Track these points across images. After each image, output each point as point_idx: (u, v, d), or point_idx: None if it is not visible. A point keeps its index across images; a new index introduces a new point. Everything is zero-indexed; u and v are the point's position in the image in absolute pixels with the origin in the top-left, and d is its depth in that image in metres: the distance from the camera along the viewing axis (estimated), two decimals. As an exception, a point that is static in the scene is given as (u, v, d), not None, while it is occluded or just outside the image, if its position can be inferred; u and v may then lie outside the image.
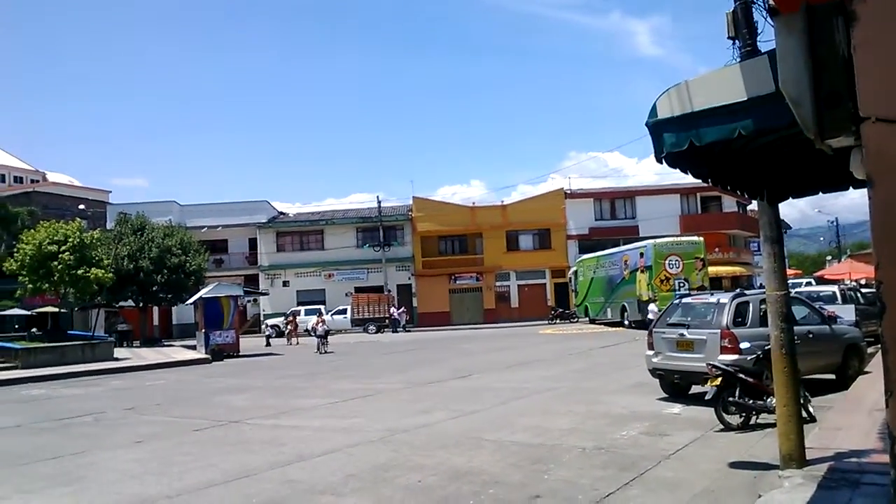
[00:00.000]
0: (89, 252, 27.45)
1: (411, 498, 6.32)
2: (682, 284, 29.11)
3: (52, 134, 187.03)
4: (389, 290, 46.46)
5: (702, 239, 32.25)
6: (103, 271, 27.66)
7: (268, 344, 33.79)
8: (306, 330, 34.79)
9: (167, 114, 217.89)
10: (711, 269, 36.16)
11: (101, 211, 48.89)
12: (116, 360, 24.90)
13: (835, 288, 20.55)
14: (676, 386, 11.33)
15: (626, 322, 31.81)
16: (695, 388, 10.77)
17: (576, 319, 40.45)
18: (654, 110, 4.86)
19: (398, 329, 41.98)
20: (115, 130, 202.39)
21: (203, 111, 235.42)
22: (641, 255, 31.30)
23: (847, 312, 16.48)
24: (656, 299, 28.24)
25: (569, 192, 49.66)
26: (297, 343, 33.18)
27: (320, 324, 28.47)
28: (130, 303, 38.18)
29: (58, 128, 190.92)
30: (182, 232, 40.00)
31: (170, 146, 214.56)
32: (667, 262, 30.07)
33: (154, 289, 36.45)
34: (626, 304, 32.46)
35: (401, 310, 43.62)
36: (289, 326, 35.28)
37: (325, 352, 26.63)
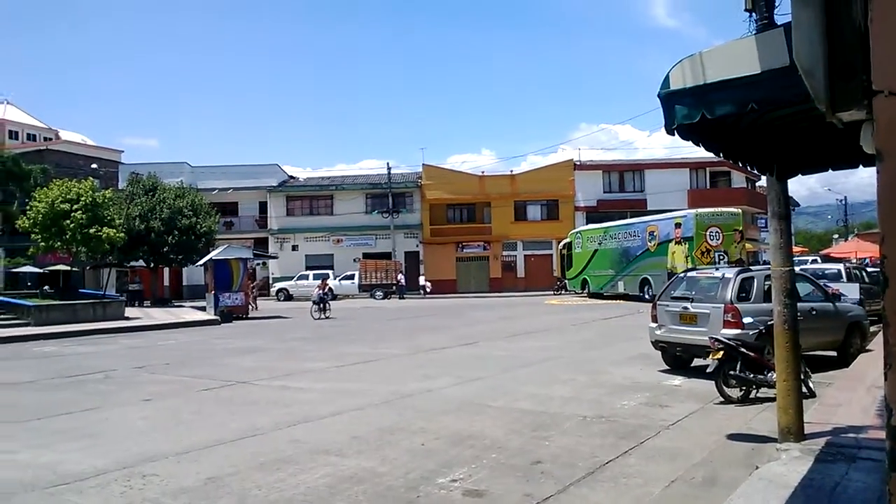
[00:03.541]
0: (101, 211, 27.54)
1: (414, 460, 6.42)
2: (721, 257, 27.81)
3: (65, 92, 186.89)
4: (397, 258, 46.60)
5: (741, 210, 31.02)
6: (115, 231, 27.77)
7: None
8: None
9: (180, 75, 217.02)
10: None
11: (113, 170, 48.90)
12: (127, 319, 25.24)
13: (840, 266, 20.46)
14: (678, 358, 11.40)
15: (648, 296, 29.92)
16: (696, 361, 10.85)
17: (573, 293, 39.49)
18: (666, 81, 4.82)
19: (405, 295, 42.25)
20: (127, 90, 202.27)
21: (216, 73, 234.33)
22: (678, 225, 29.81)
23: (851, 291, 16.46)
24: None
25: (578, 163, 49.28)
26: (257, 308, 32.29)
27: (318, 288, 27.74)
28: (141, 263, 38.64)
29: (72, 86, 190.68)
30: (193, 193, 40.17)
31: (182, 107, 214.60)
32: (708, 233, 28.73)
33: (165, 249, 36.83)
34: (648, 277, 31.21)
35: (424, 280, 44.56)
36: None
37: (324, 317, 25.92)
